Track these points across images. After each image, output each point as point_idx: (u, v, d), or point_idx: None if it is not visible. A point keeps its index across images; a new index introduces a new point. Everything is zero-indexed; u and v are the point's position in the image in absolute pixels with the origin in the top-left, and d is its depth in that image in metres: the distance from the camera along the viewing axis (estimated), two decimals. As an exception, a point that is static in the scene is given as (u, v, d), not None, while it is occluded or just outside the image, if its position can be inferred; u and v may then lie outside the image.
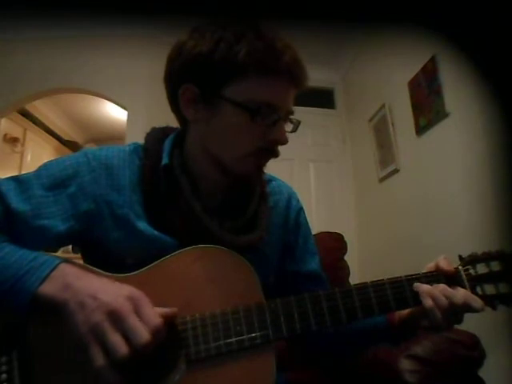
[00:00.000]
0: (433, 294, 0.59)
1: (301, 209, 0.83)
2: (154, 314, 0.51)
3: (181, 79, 0.64)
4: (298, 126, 0.68)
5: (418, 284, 0.61)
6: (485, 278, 0.62)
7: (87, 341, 0.48)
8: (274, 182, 0.81)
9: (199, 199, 0.65)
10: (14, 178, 0.62)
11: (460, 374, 0.92)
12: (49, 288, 0.51)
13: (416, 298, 0.61)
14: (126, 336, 0.48)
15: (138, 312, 0.50)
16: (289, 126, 0.67)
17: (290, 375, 0.87)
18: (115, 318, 0.49)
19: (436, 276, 0.63)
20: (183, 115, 0.66)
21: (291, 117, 0.67)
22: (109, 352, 0.47)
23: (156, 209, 0.65)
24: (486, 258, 0.63)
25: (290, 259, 0.79)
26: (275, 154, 0.66)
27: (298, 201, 0.83)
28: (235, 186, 0.70)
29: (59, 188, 0.62)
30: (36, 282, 0.51)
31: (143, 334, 0.48)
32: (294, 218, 0.80)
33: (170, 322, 0.54)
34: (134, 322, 0.49)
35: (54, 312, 0.51)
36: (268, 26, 0.62)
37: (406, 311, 0.66)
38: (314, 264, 0.81)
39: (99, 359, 0.47)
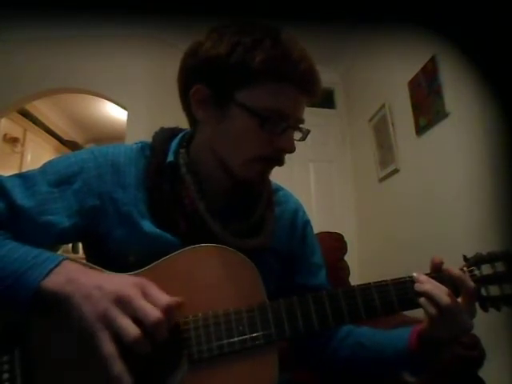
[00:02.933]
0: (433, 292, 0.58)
1: (308, 221, 0.82)
2: (163, 295, 0.51)
3: (194, 79, 0.64)
4: (306, 135, 0.68)
5: (418, 284, 0.60)
6: (489, 279, 0.61)
7: (95, 329, 0.47)
8: (281, 192, 0.81)
9: (203, 199, 0.65)
10: (19, 175, 0.62)
11: (460, 374, 0.92)
12: (52, 282, 0.51)
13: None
14: (136, 317, 0.47)
15: (145, 294, 0.50)
16: (297, 135, 0.68)
17: (293, 375, 0.87)
18: (123, 302, 0.48)
19: (440, 277, 0.62)
20: (193, 114, 0.67)
21: (300, 126, 0.67)
22: (120, 336, 0.46)
23: (160, 207, 0.65)
24: (491, 258, 0.62)
25: (296, 272, 0.78)
26: (280, 163, 0.67)
27: (305, 213, 0.83)
28: (238, 189, 0.70)
29: (64, 184, 0.62)
30: (39, 276, 0.51)
31: (154, 312, 0.48)
32: (300, 231, 0.80)
33: (177, 308, 0.52)
34: (142, 302, 0.48)
35: (57, 307, 0.50)
36: (287, 33, 0.62)
37: (423, 325, 0.64)
38: (320, 277, 0.80)
39: (108, 346, 0.46)
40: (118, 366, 0.46)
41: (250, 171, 0.65)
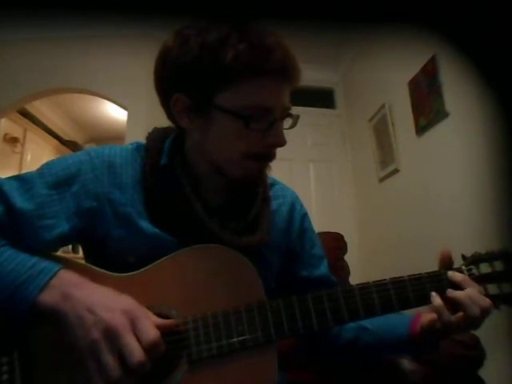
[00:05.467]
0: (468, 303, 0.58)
1: (305, 214, 0.82)
2: (151, 328, 0.51)
3: (171, 89, 0.63)
4: (296, 121, 0.66)
5: (453, 291, 0.60)
6: (488, 277, 0.61)
7: (84, 356, 0.49)
8: (277, 186, 0.80)
9: (200, 199, 0.65)
10: (17, 177, 0.62)
11: (460, 374, 0.92)
12: (47, 297, 0.51)
13: (419, 298, 0.61)
14: (121, 355, 0.48)
15: (134, 327, 0.50)
16: (287, 123, 0.66)
17: (292, 375, 0.87)
18: (111, 335, 0.49)
19: (438, 276, 0.62)
20: (179, 124, 0.66)
21: (289, 112, 0.65)
22: (103, 372, 0.48)
23: (157, 207, 0.65)
24: (489, 257, 0.62)
25: (298, 265, 0.78)
26: (272, 158, 0.66)
27: (302, 206, 0.82)
28: (235, 188, 0.70)
29: (63, 187, 0.62)
30: (34, 290, 0.51)
31: (137, 353, 0.48)
32: (298, 223, 0.79)
33: (168, 331, 0.53)
34: (128, 340, 0.49)
35: (53, 319, 0.51)
36: (256, 24, 0.60)
37: (426, 320, 0.65)
38: (322, 268, 0.80)
39: (95, 376, 0.48)
40: None
41: (243, 170, 0.64)
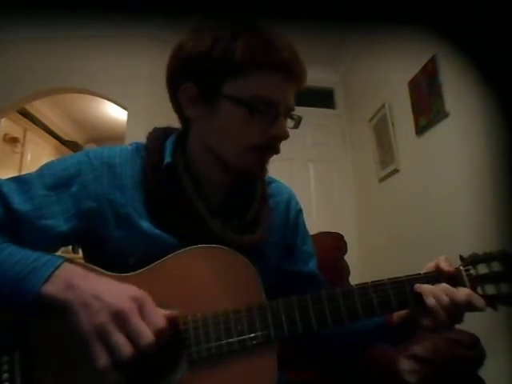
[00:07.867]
0: (435, 293, 0.59)
1: (300, 210, 0.83)
2: (158, 314, 0.51)
3: (181, 79, 0.65)
4: (299, 123, 0.68)
5: (419, 285, 0.61)
6: (486, 278, 0.62)
7: (90, 340, 0.48)
8: (273, 184, 0.81)
9: (201, 198, 0.66)
10: (16, 179, 0.62)
11: (460, 374, 0.92)
12: (52, 288, 0.51)
13: (417, 298, 0.61)
14: (130, 337, 0.48)
15: (142, 312, 0.51)
16: (290, 123, 0.68)
17: (291, 375, 0.87)
18: (119, 318, 0.49)
19: (437, 276, 0.62)
20: (185, 115, 0.67)
21: (292, 113, 0.67)
22: (112, 352, 0.48)
23: (158, 208, 0.65)
24: (487, 258, 0.62)
25: (288, 259, 0.79)
26: (276, 151, 0.66)
27: (297, 202, 0.84)
28: (238, 184, 0.70)
29: (61, 187, 0.62)
30: (39, 281, 0.51)
31: (147, 335, 0.49)
32: (293, 219, 0.81)
33: (172, 323, 0.54)
34: (138, 322, 0.49)
35: (58, 311, 0.51)
36: (265, 24, 0.63)
37: (404, 311, 0.66)
38: (311, 265, 0.81)
39: (102, 358, 0.47)
40: (113, 378, 0.48)
41: (246, 162, 0.65)
